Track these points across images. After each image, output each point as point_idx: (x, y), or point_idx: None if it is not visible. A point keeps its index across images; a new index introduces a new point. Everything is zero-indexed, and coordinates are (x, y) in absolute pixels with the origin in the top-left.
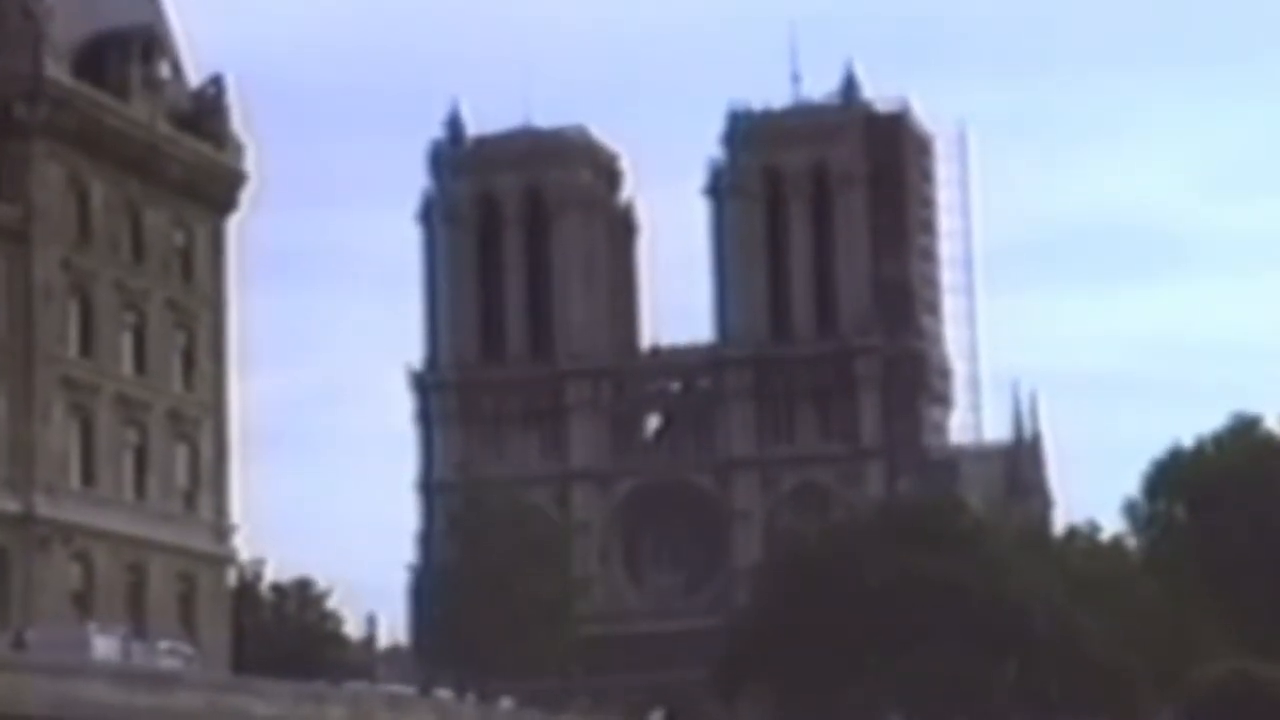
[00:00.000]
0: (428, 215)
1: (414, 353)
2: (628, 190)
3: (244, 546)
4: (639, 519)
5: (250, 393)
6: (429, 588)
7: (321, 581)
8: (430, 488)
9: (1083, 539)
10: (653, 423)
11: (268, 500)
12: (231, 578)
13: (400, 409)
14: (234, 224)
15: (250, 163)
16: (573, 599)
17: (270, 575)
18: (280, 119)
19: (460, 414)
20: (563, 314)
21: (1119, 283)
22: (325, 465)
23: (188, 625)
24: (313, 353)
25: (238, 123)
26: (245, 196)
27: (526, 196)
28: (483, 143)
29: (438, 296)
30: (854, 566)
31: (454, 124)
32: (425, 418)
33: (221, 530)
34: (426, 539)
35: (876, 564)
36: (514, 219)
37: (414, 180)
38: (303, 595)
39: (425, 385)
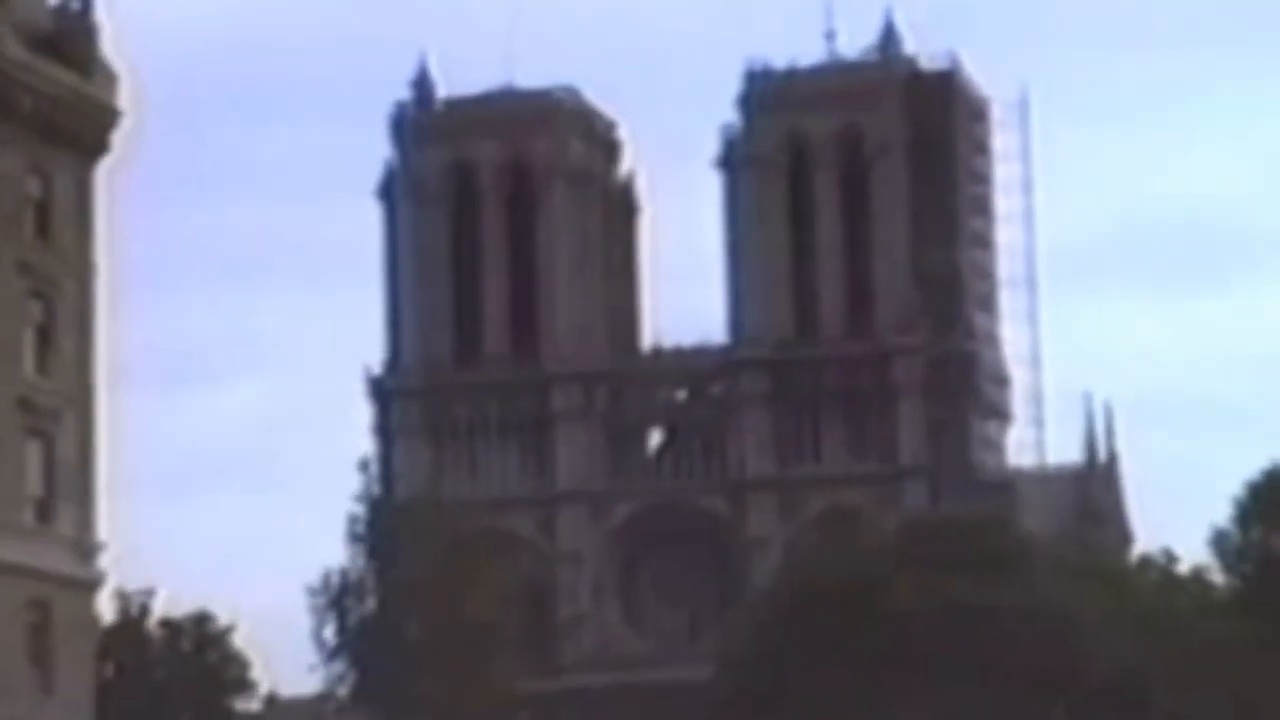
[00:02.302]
0: (389, 190)
1: (373, 354)
2: (627, 163)
3: (131, 574)
4: (638, 549)
5: (188, 408)
6: (351, 625)
7: (224, 616)
8: (389, 511)
9: (1157, 570)
10: (655, 436)
11: (184, 527)
12: (104, 608)
13: (357, 420)
14: (104, 171)
15: (125, 97)
16: (509, 636)
17: (164, 610)
18: (214, 87)
19: (427, 425)
20: (550, 308)
21: (1207, 286)
22: (265, 486)
23: (40, 664)
24: (257, 359)
25: (108, 47)
26: (118, 137)
27: (507, 169)
28: (455, 105)
29: (401, 286)
30: (876, 592)
31: (421, 83)
32: (385, 430)
33: (85, 548)
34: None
35: (903, 590)
36: (492, 195)
37: (373, 150)
38: (199, 632)
39: (386, 392)
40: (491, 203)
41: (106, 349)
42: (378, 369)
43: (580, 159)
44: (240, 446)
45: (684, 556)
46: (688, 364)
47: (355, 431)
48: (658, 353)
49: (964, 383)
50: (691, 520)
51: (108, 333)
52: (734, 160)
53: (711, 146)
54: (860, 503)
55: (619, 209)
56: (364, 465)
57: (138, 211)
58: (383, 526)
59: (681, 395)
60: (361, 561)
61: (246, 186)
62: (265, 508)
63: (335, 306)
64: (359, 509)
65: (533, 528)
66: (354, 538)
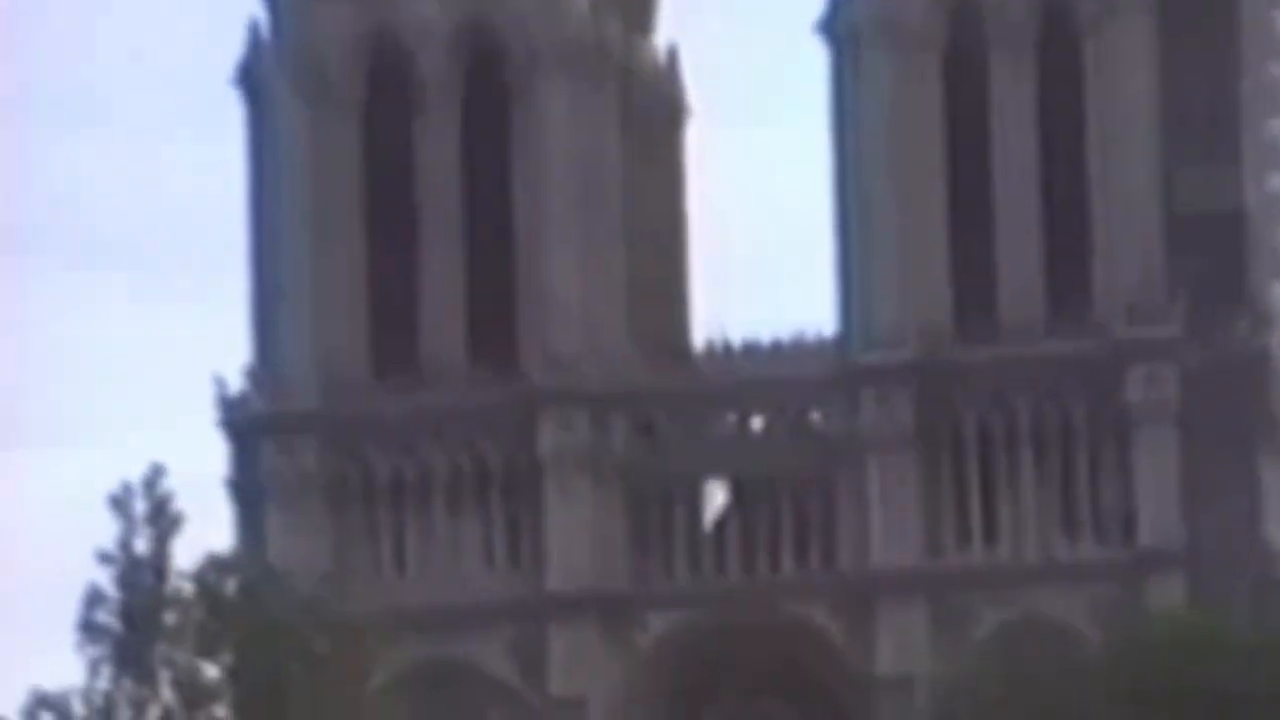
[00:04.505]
0: (253, 78)
1: (229, 359)
2: (665, 32)
3: None
4: (684, 690)
5: None
6: None
7: None
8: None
9: None
10: (714, 499)
11: None
12: None
13: (202, 469)
14: None
15: None
16: None
17: None
18: None
19: (325, 479)
20: (534, 283)
21: None
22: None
23: None
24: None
25: None
26: None
27: (459, 44)
28: None
29: (276, 242)
30: None
31: None
32: (247, 491)
33: None
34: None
35: None
36: (435, 90)
37: (228, 10)
38: None
39: (249, 426)
40: (434, 102)
41: None
42: (237, 384)
43: (583, 26)
44: None
45: (761, 705)
46: (769, 375)
47: (197, 491)
48: (717, 356)
49: (1250, 406)
50: (776, 642)
51: None
52: (847, 25)
53: (810, 1)
54: (1068, 610)
55: (652, 112)
56: (119, 499)
57: None
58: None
59: (758, 428)
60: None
61: None
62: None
63: (160, 280)
64: (106, 580)
65: (506, 657)
66: (89, 629)
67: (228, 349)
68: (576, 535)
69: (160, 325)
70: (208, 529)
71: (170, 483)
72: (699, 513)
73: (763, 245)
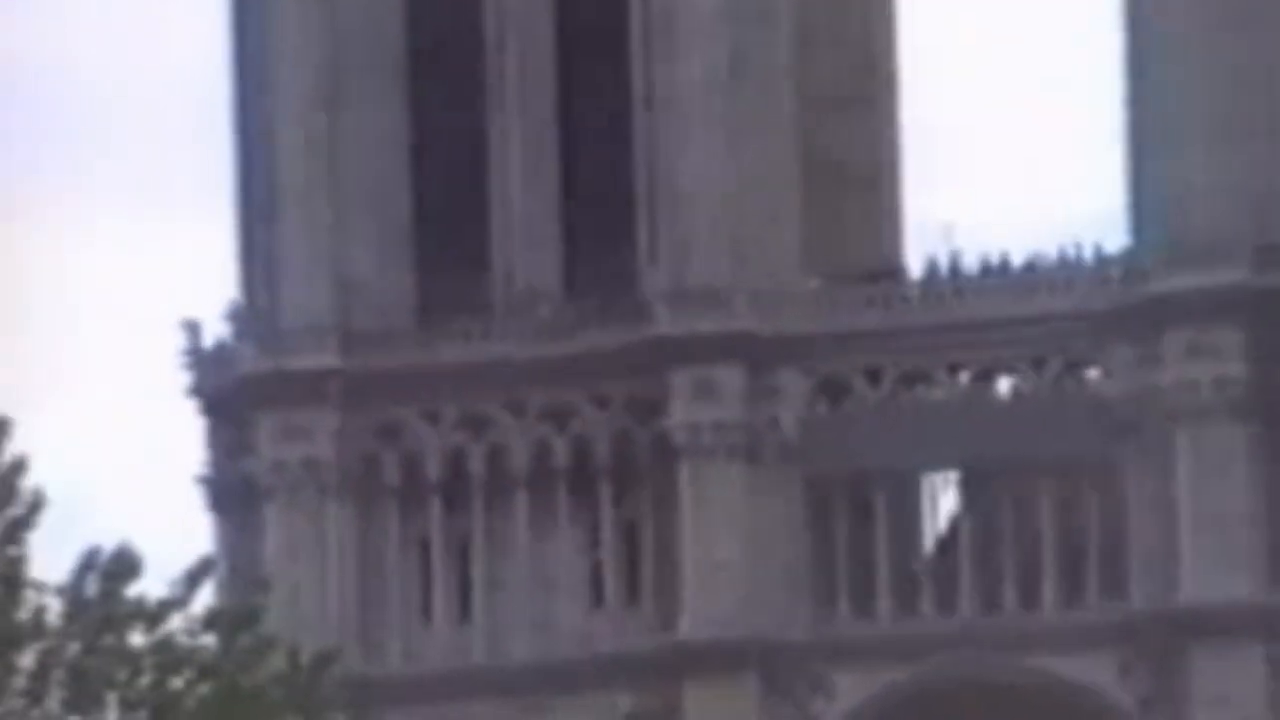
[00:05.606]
0: None
1: (205, 300)
2: None
3: None
4: None
5: None
6: None
7: None
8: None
9: None
10: (938, 499)
11: None
12: None
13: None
14: None
15: None
16: None
17: None
18: None
19: (349, 476)
20: (660, 174)
21: None
22: None
23: None
24: None
25: None
26: None
27: None
28: None
29: (279, 132)
30: None
31: None
32: (231, 489)
33: None
34: None
35: None
36: None
37: None
38: None
39: (236, 394)
40: None
41: None
42: (217, 331)
43: None
44: None
45: None
46: (1022, 312)
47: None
48: (941, 284)
49: None
50: (1031, 713)
51: None
52: None
53: None
54: None
55: None
56: None
57: None
58: None
59: (1005, 391)
60: None
61: None
62: None
63: (111, 187)
64: None
65: None
66: None
67: (204, 282)
68: (725, 557)
69: (111, 248)
70: (180, 546)
71: (19, 447)
72: (914, 521)
73: (1011, 114)
